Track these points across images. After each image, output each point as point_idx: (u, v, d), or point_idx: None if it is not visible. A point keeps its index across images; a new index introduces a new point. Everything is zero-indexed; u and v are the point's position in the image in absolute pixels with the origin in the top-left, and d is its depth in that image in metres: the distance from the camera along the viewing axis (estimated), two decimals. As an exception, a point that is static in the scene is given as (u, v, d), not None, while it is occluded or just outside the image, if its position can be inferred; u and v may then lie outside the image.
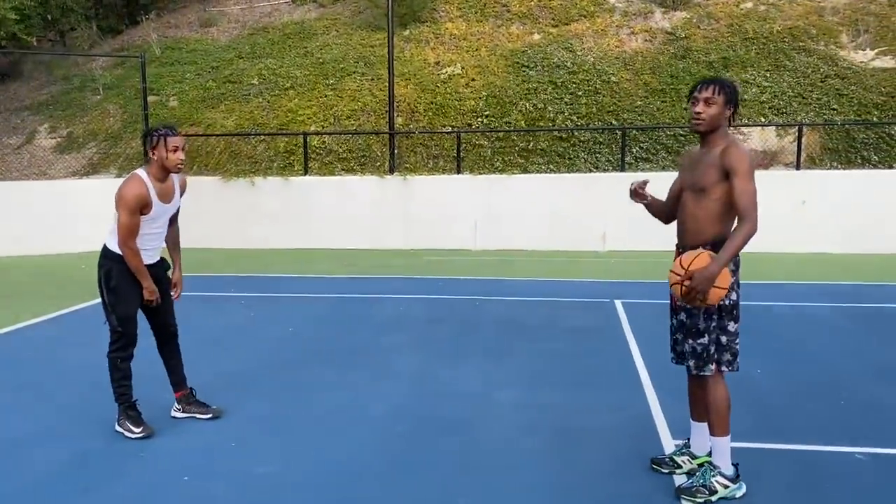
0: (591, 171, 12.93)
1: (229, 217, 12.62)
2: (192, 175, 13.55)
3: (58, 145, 14.96)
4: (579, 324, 6.96)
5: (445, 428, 4.30)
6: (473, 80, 14.80)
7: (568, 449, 4.00)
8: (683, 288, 3.22)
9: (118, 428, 4.16)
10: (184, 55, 17.12)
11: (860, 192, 11.36)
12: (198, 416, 4.40)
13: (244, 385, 5.07)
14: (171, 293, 4.36)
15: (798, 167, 12.12)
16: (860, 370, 5.43)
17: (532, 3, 16.62)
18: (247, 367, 5.55)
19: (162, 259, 4.30)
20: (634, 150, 13.14)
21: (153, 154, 3.96)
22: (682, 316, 3.50)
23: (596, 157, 13.26)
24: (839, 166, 12.43)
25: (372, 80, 15.09)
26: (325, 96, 14.92)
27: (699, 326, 3.39)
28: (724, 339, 3.40)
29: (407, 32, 16.23)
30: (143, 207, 3.94)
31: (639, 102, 13.94)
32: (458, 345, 6.22)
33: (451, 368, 5.51)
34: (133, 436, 4.09)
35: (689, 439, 3.74)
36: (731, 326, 3.41)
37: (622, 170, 12.44)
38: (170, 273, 4.35)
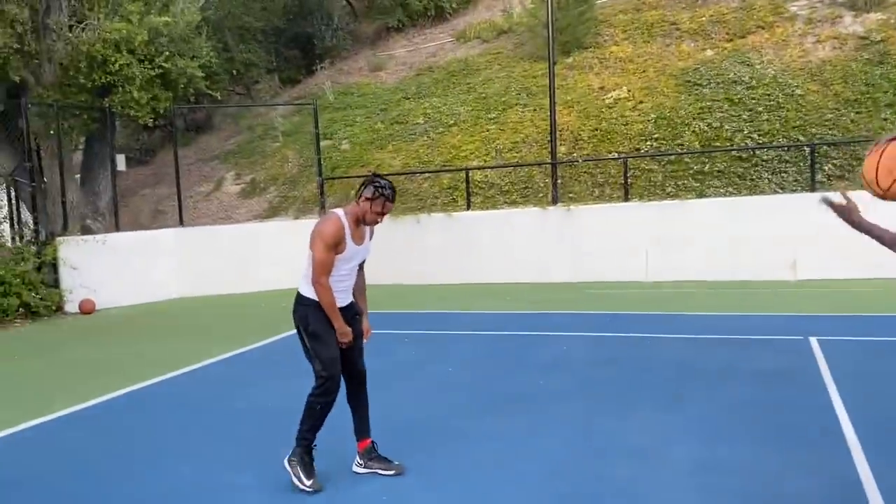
0: (776, 192, 11.78)
1: (395, 254, 12.79)
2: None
3: (242, 191, 16.07)
4: (767, 366, 6.16)
5: (610, 491, 3.83)
6: (641, 102, 14.12)
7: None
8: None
9: (288, 467, 4.04)
10: (354, 99, 17.87)
11: None
12: (380, 472, 4.20)
13: (399, 431, 4.88)
14: (363, 339, 4.27)
15: None
16: None
17: (703, 18, 15.69)
18: (403, 411, 5.38)
19: (352, 303, 4.21)
20: (826, 168, 11.83)
21: (361, 201, 3.92)
22: None
23: (782, 178, 12.08)
24: None
25: (534, 110, 14.86)
26: (488, 130, 14.88)
27: None
28: None
29: (570, 59, 15.88)
30: (338, 244, 3.90)
31: (829, 115, 12.58)
32: (625, 391, 5.69)
33: (618, 419, 5.00)
34: (302, 487, 3.95)
35: None
36: None
37: (812, 190, 11.22)
38: (359, 318, 4.26)
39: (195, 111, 16.78)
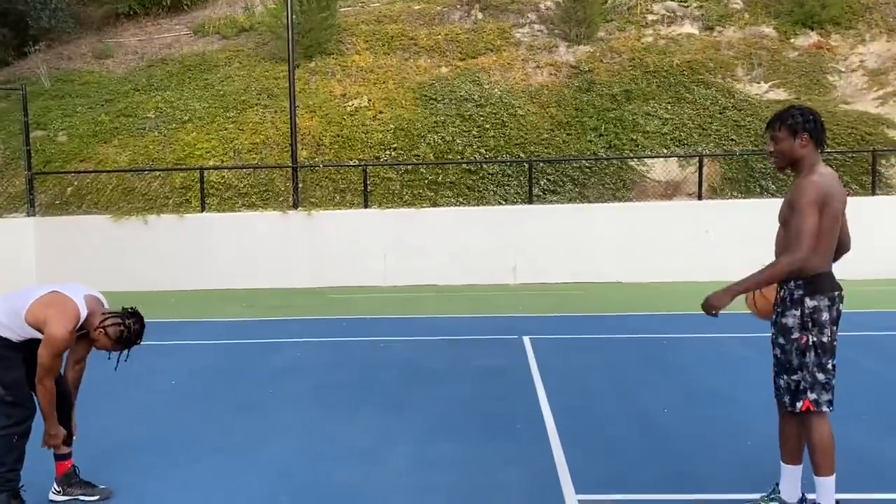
0: (500, 203, 12.80)
1: (119, 258, 11.81)
2: (79, 214, 12.73)
3: (-71, 184, 13.80)
4: (485, 364, 6.64)
5: (332, 495, 3.87)
6: (381, 112, 14.53)
7: (463, 513, 3.65)
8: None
9: None
10: (75, 88, 16.21)
11: (759, 220, 11.59)
12: (83, 498, 3.79)
13: (109, 452, 4.50)
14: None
15: (700, 197, 12.33)
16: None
17: (440, 37, 16.57)
18: (116, 429, 4.97)
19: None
20: (542, 183, 13.11)
21: (101, 332, 3.51)
22: (777, 351, 3.37)
23: (505, 190, 13.15)
24: (739, 196, 12.72)
25: (275, 112, 14.62)
26: (226, 129, 14.35)
27: (793, 362, 3.26)
28: (820, 376, 3.23)
29: (313, 64, 15.87)
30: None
31: (545, 135, 13.97)
32: (353, 394, 5.79)
33: (344, 423, 5.08)
34: None
35: (777, 485, 3.48)
36: (829, 364, 3.26)
37: (531, 202, 12.36)
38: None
39: None
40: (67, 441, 3.75)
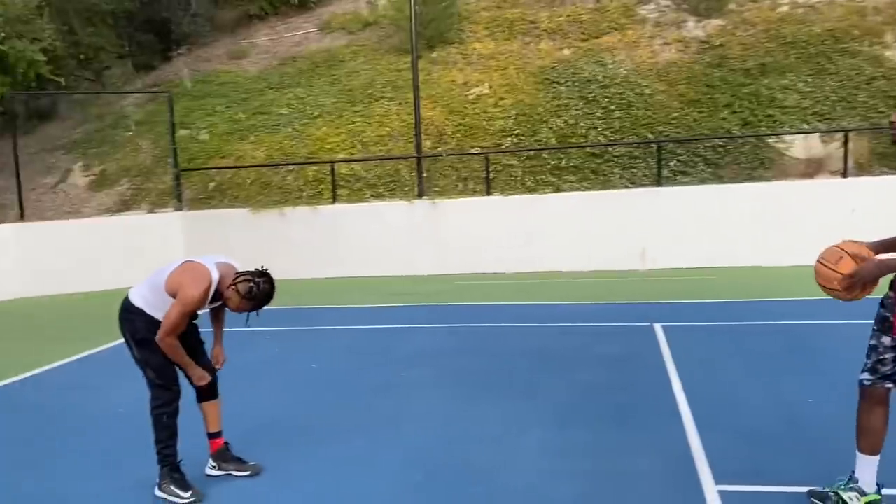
0: (627, 187, 12.47)
1: (258, 248, 12.45)
2: (221, 207, 13.51)
3: (91, 183, 15.10)
4: (615, 352, 6.53)
5: (466, 478, 3.94)
6: (502, 99, 14.51)
7: (597, 498, 3.61)
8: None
9: (160, 493, 3.79)
10: (214, 88, 17.21)
11: (915, 197, 10.71)
12: (235, 473, 4.06)
13: (256, 430, 4.78)
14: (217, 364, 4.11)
15: (845, 175, 11.50)
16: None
17: (561, 18, 16.32)
18: (262, 409, 5.28)
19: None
20: (672, 164, 12.66)
21: (233, 289, 3.68)
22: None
23: (632, 173, 12.81)
24: (890, 172, 11.76)
25: (399, 104, 14.92)
26: (353, 123, 14.80)
27: None
28: None
29: (434, 55, 16.05)
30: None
31: (674, 114, 13.47)
32: (483, 380, 5.85)
33: (476, 407, 5.14)
34: (181, 501, 3.74)
35: (853, 472, 3.32)
36: None
37: (660, 184, 11.98)
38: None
39: (37, 98, 15.58)
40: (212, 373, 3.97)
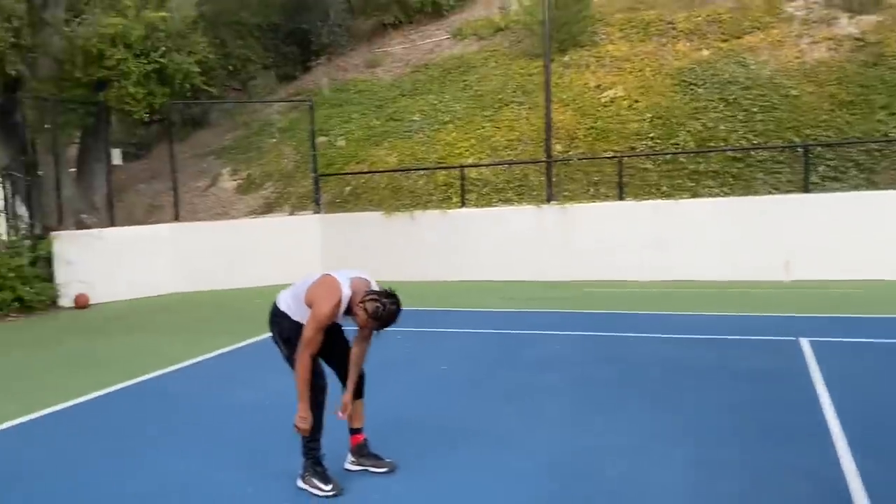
0: (770, 192, 11.83)
1: (390, 250, 12.82)
2: (356, 211, 13.99)
3: (238, 187, 16.06)
4: (758, 366, 6.20)
5: (602, 490, 3.87)
6: (637, 101, 14.16)
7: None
8: None
9: (302, 484, 3.99)
10: (351, 96, 17.86)
11: None
12: (372, 469, 4.22)
13: (391, 428, 4.91)
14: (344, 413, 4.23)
15: None
16: None
17: (700, 18, 15.72)
18: (396, 408, 5.41)
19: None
20: (820, 169, 11.88)
21: (361, 307, 3.80)
22: None
23: (776, 178, 12.13)
24: None
25: (530, 108, 14.89)
26: (483, 128, 14.91)
27: None
28: None
29: (566, 58, 15.90)
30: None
31: (824, 117, 12.65)
32: (617, 390, 5.73)
33: (609, 417, 5.03)
34: (322, 493, 3.90)
35: None
36: None
37: (806, 191, 11.27)
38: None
39: (191, 106, 16.81)
40: (345, 411, 4.07)
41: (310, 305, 3.86)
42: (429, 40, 19.62)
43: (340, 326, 4.16)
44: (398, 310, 3.82)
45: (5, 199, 12.06)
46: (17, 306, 10.71)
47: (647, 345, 7.29)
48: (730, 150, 12.62)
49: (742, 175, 12.33)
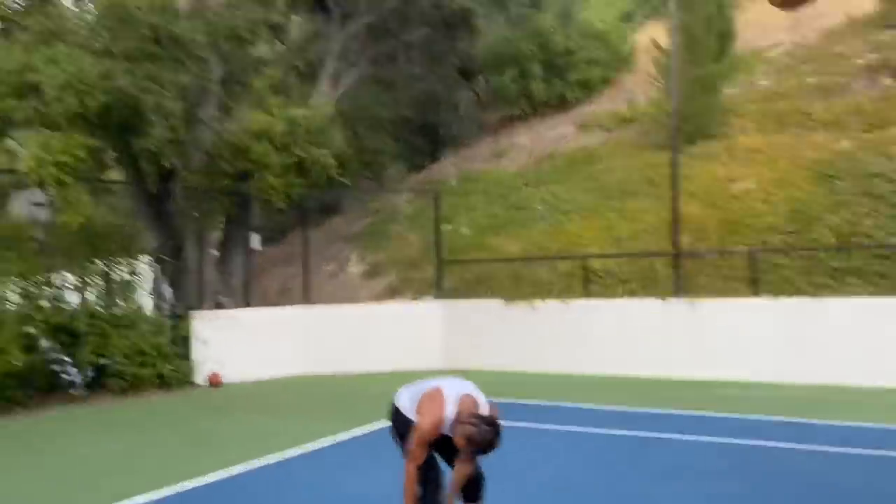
0: (923, 293, 10.87)
1: (509, 338, 12.71)
2: (477, 298, 14.05)
3: (365, 272, 16.60)
4: (915, 491, 5.56)
5: None
6: (771, 194, 13.60)
7: None
8: None
9: None
10: (476, 186, 18.25)
11: None
12: None
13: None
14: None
15: None
16: None
17: (839, 109, 15.10)
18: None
19: None
20: (983, 269, 10.84)
21: (460, 432, 3.81)
22: None
23: (929, 277, 11.17)
24: None
25: (656, 199, 14.62)
26: (608, 218, 14.75)
27: None
28: None
29: (694, 149, 15.61)
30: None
31: None
32: (750, 506, 5.28)
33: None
34: None
35: None
36: None
37: (966, 292, 10.29)
38: None
39: (326, 195, 17.74)
40: None
41: (419, 412, 3.91)
42: (553, 131, 19.90)
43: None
44: (495, 437, 3.77)
45: (154, 281, 13.03)
46: (157, 382, 11.37)
47: (783, 456, 6.73)
48: (875, 246, 11.79)
49: (891, 274, 11.44)
